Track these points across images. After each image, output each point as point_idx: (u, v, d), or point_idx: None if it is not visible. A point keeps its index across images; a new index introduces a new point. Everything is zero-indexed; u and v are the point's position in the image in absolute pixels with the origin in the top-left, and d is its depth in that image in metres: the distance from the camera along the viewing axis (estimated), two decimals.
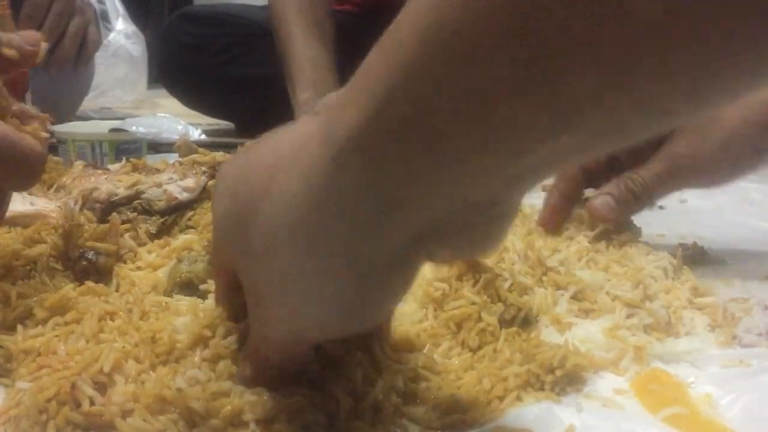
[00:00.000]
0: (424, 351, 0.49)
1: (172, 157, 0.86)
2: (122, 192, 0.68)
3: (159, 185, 0.70)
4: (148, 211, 0.68)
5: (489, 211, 0.33)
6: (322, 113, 0.32)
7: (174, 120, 1.56)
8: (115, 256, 0.60)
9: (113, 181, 0.71)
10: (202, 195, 0.70)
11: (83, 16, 1.22)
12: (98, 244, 0.59)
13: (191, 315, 0.47)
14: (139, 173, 0.74)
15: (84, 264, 0.58)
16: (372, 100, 0.28)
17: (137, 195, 0.69)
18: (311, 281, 0.34)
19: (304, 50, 1.19)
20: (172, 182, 0.70)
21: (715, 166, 0.69)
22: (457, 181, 0.30)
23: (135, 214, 0.67)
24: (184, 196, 0.69)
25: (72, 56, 1.22)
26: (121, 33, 2.32)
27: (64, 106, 1.35)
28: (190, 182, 0.70)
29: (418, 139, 0.28)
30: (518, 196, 0.34)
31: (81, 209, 0.67)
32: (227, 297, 0.44)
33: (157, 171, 0.74)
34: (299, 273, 0.34)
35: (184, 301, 0.52)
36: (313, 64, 1.18)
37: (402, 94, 0.27)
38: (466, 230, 0.33)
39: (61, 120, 1.24)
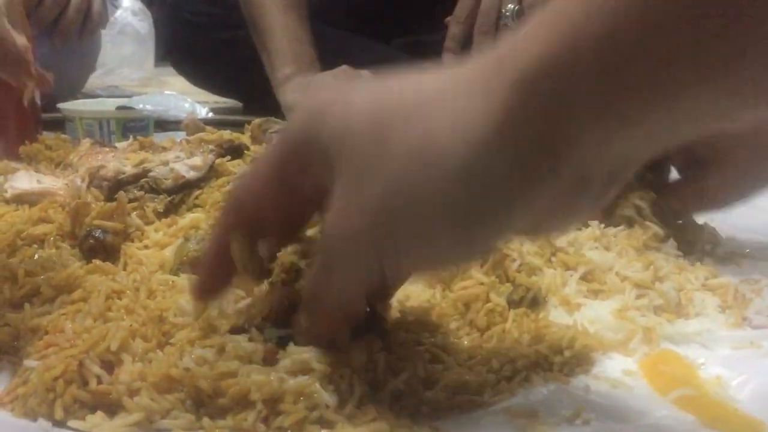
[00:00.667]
0: (441, 330, 0.49)
1: (180, 136, 0.86)
2: (129, 170, 0.68)
3: (166, 163, 0.69)
4: (155, 189, 0.67)
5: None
6: (483, 59, 0.34)
7: (181, 98, 1.56)
8: (123, 235, 0.60)
9: (120, 159, 0.70)
10: (210, 173, 0.69)
11: None
12: (105, 223, 0.59)
13: None
14: (146, 151, 0.73)
15: (91, 242, 0.58)
16: (561, 34, 0.30)
17: (144, 173, 0.68)
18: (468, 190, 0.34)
19: (283, 25, 1.18)
20: (179, 161, 0.70)
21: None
22: (637, 134, 0.31)
23: (142, 192, 0.67)
24: (191, 174, 0.68)
25: (76, 27, 1.22)
26: (128, 10, 2.30)
27: (71, 80, 1.35)
28: (197, 160, 0.70)
29: (611, 74, 0.29)
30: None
31: (88, 187, 0.67)
32: (247, 255, 0.43)
33: (164, 149, 0.74)
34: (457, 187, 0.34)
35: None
36: (292, 38, 1.17)
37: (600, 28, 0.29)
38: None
39: (68, 96, 1.24)
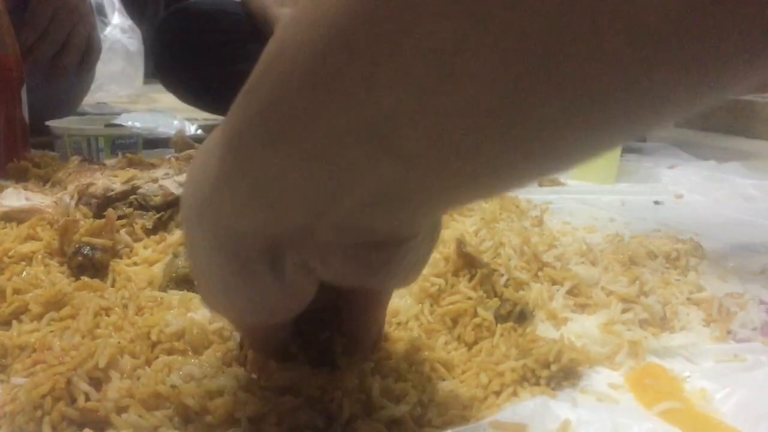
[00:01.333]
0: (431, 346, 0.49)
1: (169, 153, 0.86)
2: (118, 187, 0.68)
3: (155, 180, 0.69)
4: (144, 206, 0.67)
5: (377, 243, 0.31)
6: None
7: (170, 115, 1.56)
8: (111, 252, 0.60)
9: (109, 176, 0.71)
10: None
11: (86, 25, 1.21)
12: (94, 240, 0.59)
13: (182, 308, 0.47)
14: (135, 168, 0.74)
15: (80, 259, 0.58)
16: (255, 103, 0.27)
17: (133, 190, 0.68)
18: (208, 269, 0.34)
19: None
20: (168, 177, 0.70)
21: None
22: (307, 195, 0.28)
23: (131, 209, 0.67)
24: (180, 191, 0.69)
25: (74, 66, 1.21)
26: (117, 27, 2.31)
27: (63, 107, 1.35)
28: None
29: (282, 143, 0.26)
30: (407, 242, 0.32)
31: (77, 204, 0.67)
32: None
33: (153, 166, 0.74)
34: (203, 262, 0.34)
35: (177, 296, 0.52)
36: None
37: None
38: (351, 257, 0.31)
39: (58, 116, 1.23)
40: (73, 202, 0.67)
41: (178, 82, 1.66)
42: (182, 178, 0.70)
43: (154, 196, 0.68)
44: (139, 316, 0.49)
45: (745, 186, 1.07)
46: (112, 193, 0.67)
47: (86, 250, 0.58)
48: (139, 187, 0.68)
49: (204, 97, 1.66)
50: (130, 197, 0.68)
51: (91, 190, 0.68)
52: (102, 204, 0.66)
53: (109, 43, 2.28)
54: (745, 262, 0.71)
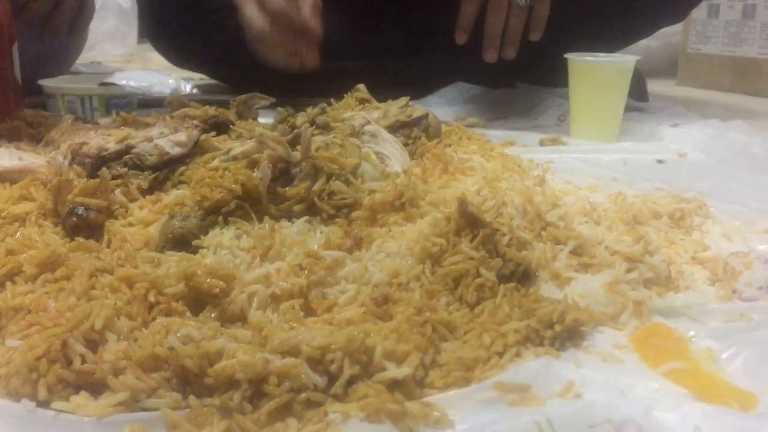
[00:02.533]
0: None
1: (164, 113, 0.84)
2: (112, 146, 0.67)
3: (150, 140, 0.68)
4: (139, 166, 0.66)
5: None
6: None
7: (165, 74, 1.53)
8: (106, 212, 0.59)
9: (103, 135, 0.69)
10: (194, 149, 0.68)
11: None
12: (88, 200, 0.58)
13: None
14: (130, 128, 0.72)
15: (74, 220, 0.57)
16: None
17: (128, 150, 0.67)
18: None
19: None
20: (164, 137, 0.69)
21: None
22: None
23: (126, 169, 0.65)
24: (175, 150, 0.67)
25: (67, 25, 1.19)
26: None
27: (55, 67, 1.33)
28: (181, 136, 0.68)
29: None
30: None
31: (70, 164, 0.65)
32: None
33: (148, 125, 0.73)
34: None
35: (175, 257, 0.51)
36: None
37: None
38: None
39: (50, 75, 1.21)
40: (66, 162, 0.65)
41: (171, 46, 1.63)
42: (178, 137, 0.68)
43: (149, 155, 0.66)
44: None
45: (749, 144, 1.05)
46: (106, 152, 0.66)
47: (80, 211, 0.57)
48: (133, 147, 0.67)
49: (198, 60, 1.63)
50: (125, 157, 0.66)
51: (85, 149, 0.66)
52: (96, 164, 0.65)
53: (101, 0, 2.24)
54: (750, 221, 0.70)
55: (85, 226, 0.57)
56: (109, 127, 0.73)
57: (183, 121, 0.72)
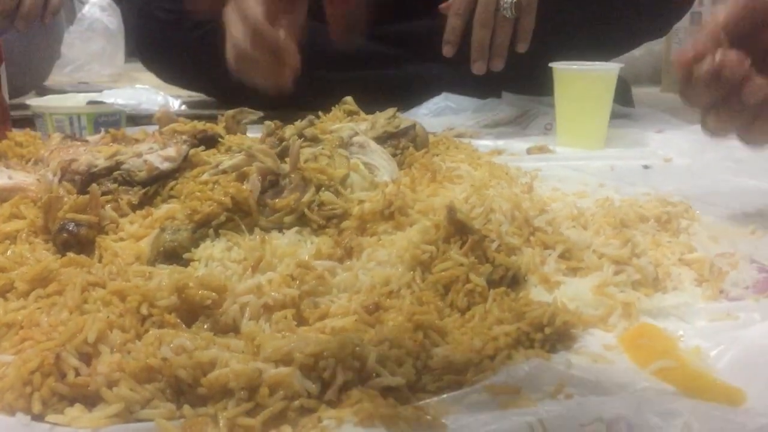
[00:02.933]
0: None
1: (152, 130, 0.85)
2: (102, 163, 0.67)
3: (139, 155, 0.68)
4: (128, 182, 0.66)
5: None
6: None
7: (153, 91, 1.54)
8: (97, 228, 0.59)
9: (92, 152, 0.69)
10: (184, 164, 0.69)
11: None
12: (79, 216, 0.58)
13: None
14: (119, 144, 0.72)
15: (65, 236, 0.57)
16: None
17: (117, 166, 0.67)
18: None
19: None
20: (153, 152, 0.69)
21: None
22: None
23: (116, 185, 0.66)
24: (165, 165, 0.68)
25: (38, 11, 1.23)
26: (96, 5, 2.27)
27: (36, 67, 1.35)
28: (171, 151, 0.69)
29: None
30: None
31: (60, 181, 0.66)
32: None
33: (137, 141, 0.73)
34: None
35: (167, 270, 0.52)
36: None
37: None
38: None
39: (35, 85, 1.23)
40: (56, 179, 0.65)
41: (159, 62, 1.64)
42: (167, 152, 0.69)
43: (139, 171, 0.66)
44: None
45: (733, 148, 1.05)
46: (96, 169, 0.66)
47: (71, 227, 0.57)
48: (123, 163, 0.67)
49: (186, 76, 1.63)
50: (115, 173, 0.67)
51: (74, 166, 0.66)
52: (86, 180, 0.65)
53: (88, 22, 2.25)
54: (735, 222, 0.71)
55: (75, 242, 0.57)
56: (98, 144, 0.74)
57: (172, 136, 0.72)
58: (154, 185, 0.66)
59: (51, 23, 1.42)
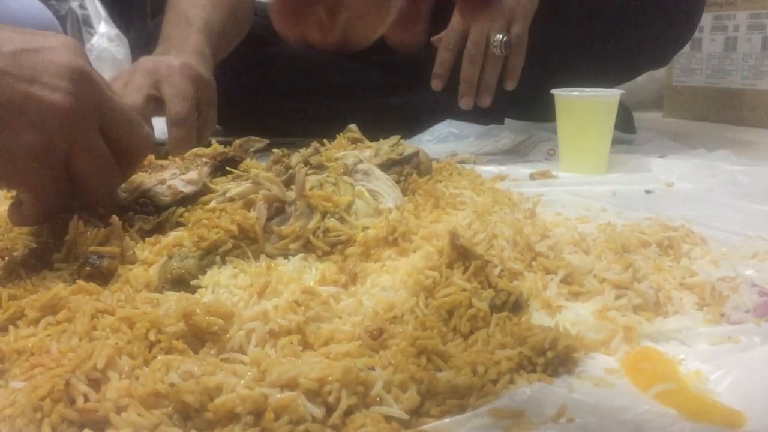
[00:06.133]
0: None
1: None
2: (126, 196, 0.68)
3: (163, 182, 0.69)
4: (144, 210, 0.67)
5: None
6: None
7: (161, 120, 1.55)
8: (120, 258, 0.59)
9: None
10: (204, 188, 0.70)
11: None
12: (101, 249, 0.58)
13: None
14: (146, 171, 0.73)
15: (88, 269, 0.57)
16: None
17: (142, 195, 0.68)
18: None
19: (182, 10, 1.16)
20: (175, 177, 0.70)
21: None
22: None
23: (131, 213, 0.66)
24: (188, 189, 0.69)
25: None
26: (104, 36, 2.31)
27: None
28: (192, 175, 0.70)
29: None
30: None
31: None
32: None
33: (162, 168, 0.74)
34: None
35: (174, 297, 0.52)
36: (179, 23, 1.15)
37: None
38: None
39: None
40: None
41: None
42: (189, 176, 0.70)
43: (163, 196, 0.68)
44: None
45: (734, 173, 1.07)
46: (124, 202, 0.67)
47: (93, 259, 0.57)
48: (147, 191, 0.68)
49: None
50: (140, 199, 0.67)
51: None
52: (110, 213, 0.65)
53: (96, 52, 2.28)
54: (736, 247, 0.72)
55: (98, 274, 0.57)
56: None
57: (193, 160, 0.73)
58: (171, 208, 0.67)
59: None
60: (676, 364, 0.48)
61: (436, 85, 1.22)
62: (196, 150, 0.76)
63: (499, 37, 1.17)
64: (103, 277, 0.57)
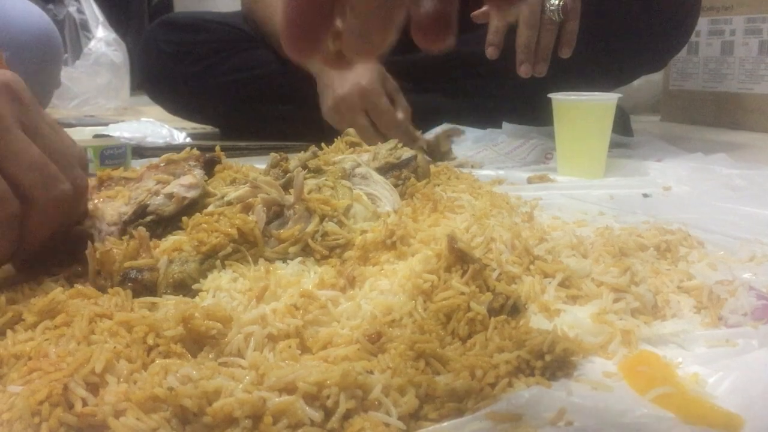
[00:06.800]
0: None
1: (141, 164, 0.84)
2: (126, 209, 0.66)
3: (156, 193, 0.67)
4: (157, 222, 0.66)
5: None
6: None
7: (158, 125, 1.56)
8: (156, 269, 0.58)
9: (107, 202, 0.68)
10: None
11: None
12: (136, 263, 0.57)
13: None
14: (120, 185, 0.70)
15: (130, 285, 0.56)
16: None
17: (144, 207, 0.66)
18: None
19: None
20: (172, 185, 0.68)
21: None
22: None
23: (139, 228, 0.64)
24: (191, 193, 0.66)
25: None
26: (102, 41, 2.31)
27: (35, 95, 1.35)
28: (190, 179, 0.68)
29: None
30: None
31: (103, 238, 0.64)
32: None
33: (126, 180, 0.71)
34: None
35: (172, 301, 0.52)
36: None
37: None
38: None
39: None
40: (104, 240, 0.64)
41: (165, 94, 1.66)
42: (186, 180, 0.68)
43: (166, 207, 0.66)
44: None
45: (731, 176, 1.07)
46: (126, 216, 0.65)
47: (133, 274, 0.56)
48: (147, 205, 0.66)
49: (191, 107, 1.66)
50: (148, 218, 0.66)
51: (109, 219, 0.65)
52: (121, 229, 0.64)
53: (94, 56, 2.28)
54: (734, 250, 0.72)
55: (142, 288, 0.56)
56: (92, 191, 0.69)
57: (178, 166, 0.71)
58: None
59: (47, 49, 1.39)
60: (674, 368, 0.49)
61: (491, 53, 1.18)
62: (169, 156, 0.74)
63: (556, 1, 1.14)
64: (149, 291, 0.56)
